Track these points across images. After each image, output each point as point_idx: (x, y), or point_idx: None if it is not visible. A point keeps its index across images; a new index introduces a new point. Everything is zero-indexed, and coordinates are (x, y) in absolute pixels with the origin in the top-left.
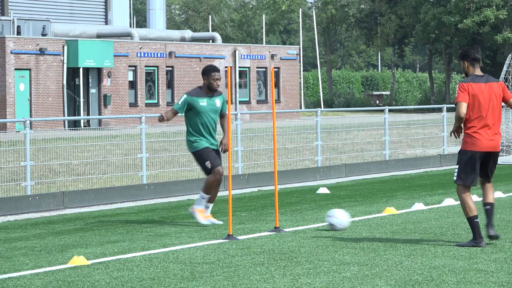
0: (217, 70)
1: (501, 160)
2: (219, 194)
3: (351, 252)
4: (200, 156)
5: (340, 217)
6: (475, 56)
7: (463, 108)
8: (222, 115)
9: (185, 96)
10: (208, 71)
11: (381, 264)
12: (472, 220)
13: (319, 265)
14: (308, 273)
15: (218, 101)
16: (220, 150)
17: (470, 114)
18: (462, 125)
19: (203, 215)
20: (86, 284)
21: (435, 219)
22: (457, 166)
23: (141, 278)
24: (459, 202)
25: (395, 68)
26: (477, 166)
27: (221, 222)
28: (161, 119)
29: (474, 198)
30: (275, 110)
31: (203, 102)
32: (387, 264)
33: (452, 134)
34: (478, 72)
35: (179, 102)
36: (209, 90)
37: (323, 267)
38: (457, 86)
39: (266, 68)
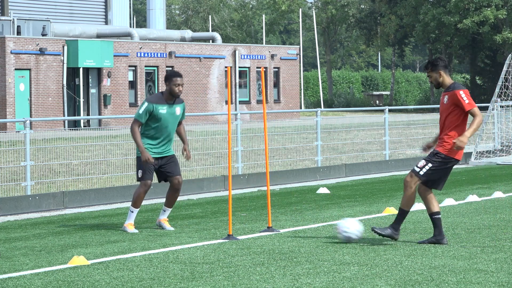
0: (179, 75)
1: (501, 160)
2: (220, 194)
3: (351, 252)
4: (139, 162)
5: (352, 228)
6: (445, 64)
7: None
8: (179, 123)
9: (146, 103)
10: (170, 76)
11: (381, 264)
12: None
13: (319, 265)
14: (308, 273)
15: (178, 109)
16: (186, 158)
17: (455, 119)
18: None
19: (132, 227)
20: (86, 284)
21: None
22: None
23: (141, 278)
24: (459, 202)
25: (395, 68)
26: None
27: (172, 228)
28: (149, 161)
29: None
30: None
31: (163, 110)
32: (387, 264)
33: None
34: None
35: (140, 112)
36: (171, 96)
37: (323, 267)
38: (462, 92)
39: (266, 68)
